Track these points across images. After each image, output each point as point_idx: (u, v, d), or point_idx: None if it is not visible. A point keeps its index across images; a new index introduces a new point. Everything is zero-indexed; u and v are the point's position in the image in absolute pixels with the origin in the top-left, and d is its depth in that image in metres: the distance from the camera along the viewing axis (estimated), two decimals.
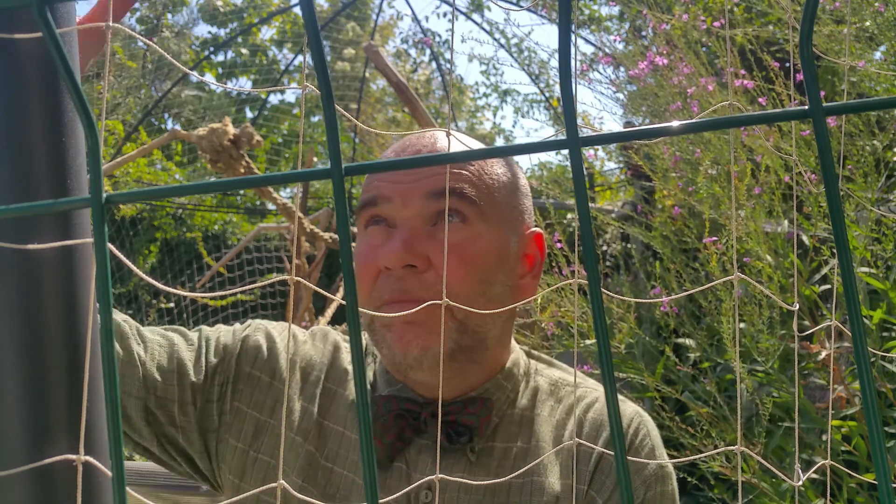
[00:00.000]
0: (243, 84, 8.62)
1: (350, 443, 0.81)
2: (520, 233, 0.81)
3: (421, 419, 0.79)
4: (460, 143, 0.79)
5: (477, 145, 0.81)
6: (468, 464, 0.79)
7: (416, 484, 0.64)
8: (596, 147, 3.14)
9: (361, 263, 0.77)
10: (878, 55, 1.90)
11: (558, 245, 2.15)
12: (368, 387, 0.84)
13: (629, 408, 0.86)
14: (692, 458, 0.38)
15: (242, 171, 2.27)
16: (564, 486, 0.79)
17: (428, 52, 9.09)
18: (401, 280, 0.74)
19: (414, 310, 0.59)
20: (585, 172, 0.73)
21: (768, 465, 0.41)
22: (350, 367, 0.86)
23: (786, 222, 1.88)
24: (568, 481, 0.79)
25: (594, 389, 0.86)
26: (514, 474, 0.69)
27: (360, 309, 0.76)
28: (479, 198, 0.76)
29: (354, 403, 0.81)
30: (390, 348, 0.76)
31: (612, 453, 0.79)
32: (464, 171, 0.76)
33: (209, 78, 9.01)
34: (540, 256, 0.84)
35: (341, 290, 4.16)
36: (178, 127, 5.65)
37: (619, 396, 0.86)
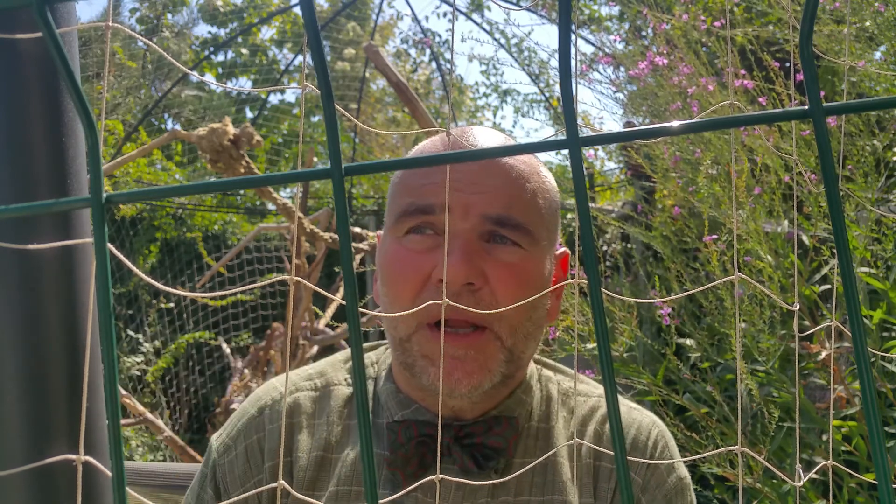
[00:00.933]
0: (243, 84, 8.62)
1: (351, 497, 0.76)
2: (554, 254, 0.79)
3: (444, 444, 0.75)
4: (490, 138, 0.77)
5: (502, 140, 0.78)
6: (492, 487, 0.75)
7: (415, 484, 0.63)
8: (596, 147, 3.14)
9: (404, 269, 0.71)
10: (878, 55, 1.90)
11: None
12: (371, 414, 0.80)
13: (646, 418, 0.83)
14: (693, 457, 0.38)
15: (242, 171, 2.27)
16: None
17: (428, 52, 9.09)
18: (457, 297, 0.68)
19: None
20: (585, 172, 0.73)
21: (769, 467, 0.41)
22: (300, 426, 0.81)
23: (786, 222, 1.88)
24: (589, 500, 0.77)
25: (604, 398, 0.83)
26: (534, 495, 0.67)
27: (389, 323, 0.72)
28: (532, 223, 0.73)
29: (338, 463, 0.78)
30: (432, 382, 0.71)
31: (633, 460, 0.77)
32: (523, 194, 0.72)
33: (209, 78, 9.01)
34: (563, 276, 0.82)
35: (341, 290, 4.16)
36: (178, 127, 5.65)
37: (634, 405, 0.85)
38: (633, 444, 0.80)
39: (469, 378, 0.70)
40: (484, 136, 0.77)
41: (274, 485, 0.36)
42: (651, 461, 0.79)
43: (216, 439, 0.83)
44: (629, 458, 0.79)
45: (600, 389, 0.86)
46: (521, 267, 0.72)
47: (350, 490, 0.76)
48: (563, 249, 0.82)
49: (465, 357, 0.69)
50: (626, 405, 0.85)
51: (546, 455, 0.67)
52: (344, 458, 0.78)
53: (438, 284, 0.69)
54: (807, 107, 0.25)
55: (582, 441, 0.61)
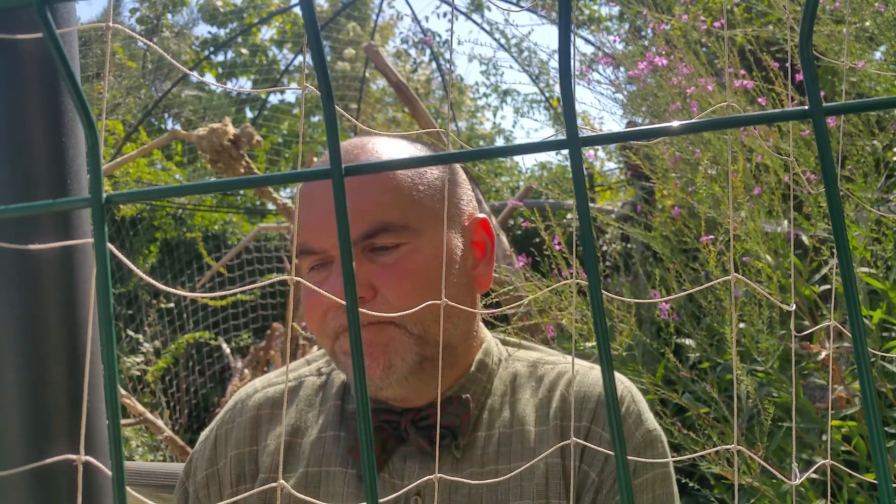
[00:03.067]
0: (243, 84, 8.62)
1: (321, 478, 0.82)
2: (462, 225, 0.81)
3: (401, 427, 0.80)
4: (393, 148, 0.79)
5: (409, 151, 0.81)
6: (453, 461, 0.79)
7: (415, 484, 0.64)
8: (596, 147, 3.14)
9: (309, 305, 0.78)
10: (877, 55, 1.90)
11: (557, 247, 2.14)
12: (338, 399, 0.86)
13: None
14: (691, 456, 0.38)
15: (242, 171, 2.27)
16: (554, 464, 0.78)
17: (428, 52, 9.09)
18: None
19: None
20: (585, 172, 0.73)
21: (767, 466, 0.41)
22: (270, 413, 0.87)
23: (786, 222, 1.88)
24: (557, 460, 0.79)
25: (575, 364, 0.86)
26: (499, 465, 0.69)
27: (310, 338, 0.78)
28: (409, 218, 0.75)
29: (310, 442, 0.83)
30: (350, 371, 0.77)
31: (600, 427, 0.80)
32: (388, 197, 0.76)
33: (209, 78, 9.01)
34: (490, 240, 0.84)
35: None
36: (178, 127, 5.65)
37: (594, 366, 0.86)
38: (598, 401, 0.83)
39: (378, 361, 0.75)
40: (386, 147, 0.80)
41: (274, 485, 0.36)
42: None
43: (197, 445, 0.90)
44: (597, 416, 0.81)
45: (568, 358, 0.88)
46: (404, 264, 0.75)
47: (320, 471, 0.81)
48: (478, 216, 0.83)
49: (369, 341, 0.74)
50: (591, 367, 0.87)
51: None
52: (311, 442, 0.83)
53: (332, 312, 0.75)
54: (806, 107, 0.25)
55: (578, 441, 0.61)
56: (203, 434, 0.90)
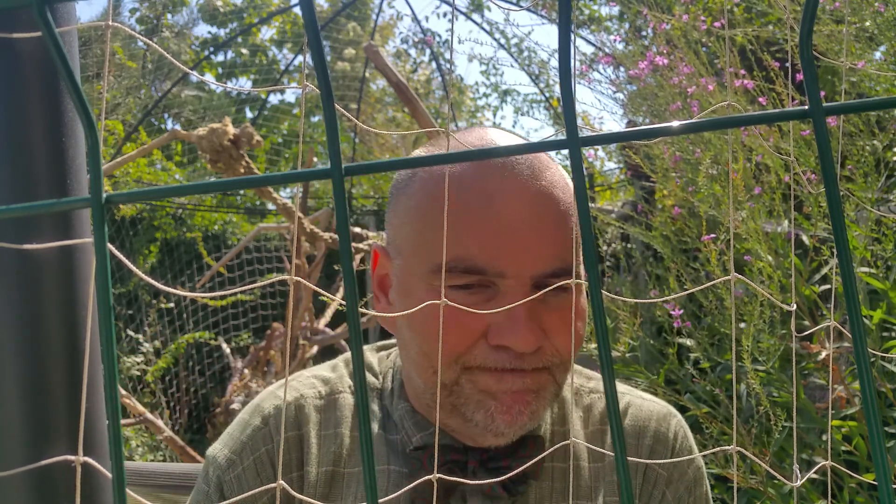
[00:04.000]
0: (243, 84, 8.62)
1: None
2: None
3: (469, 470, 0.72)
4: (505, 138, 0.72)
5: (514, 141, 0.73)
6: (513, 500, 0.73)
7: (415, 483, 0.61)
8: (596, 147, 3.14)
9: (448, 327, 0.66)
10: (877, 55, 1.90)
11: None
12: (377, 427, 0.76)
13: (662, 408, 0.82)
14: (691, 456, 0.38)
15: (242, 171, 2.27)
16: (612, 503, 0.76)
17: (428, 52, 9.09)
18: (520, 357, 0.66)
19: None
20: (585, 172, 0.72)
21: (767, 468, 0.41)
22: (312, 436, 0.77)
23: (786, 222, 1.88)
24: (615, 499, 0.75)
25: (620, 394, 0.81)
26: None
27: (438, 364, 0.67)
28: (576, 256, 0.69)
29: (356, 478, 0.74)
30: (490, 417, 0.67)
31: (657, 462, 0.77)
32: (569, 233, 0.68)
33: (209, 78, 9.00)
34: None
35: (341, 290, 4.16)
36: (178, 127, 5.65)
37: (647, 395, 0.84)
38: (655, 436, 0.79)
39: (529, 409, 0.68)
40: (500, 137, 0.73)
41: (273, 485, 0.36)
42: (674, 454, 0.79)
43: (218, 452, 0.78)
44: (653, 452, 0.78)
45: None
46: (579, 308, 0.69)
47: None
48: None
49: (525, 390, 0.67)
50: (640, 397, 0.83)
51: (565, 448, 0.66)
52: (358, 474, 0.74)
53: (497, 347, 0.66)
54: (807, 107, 0.25)
55: (603, 450, 0.59)
56: (225, 454, 0.77)
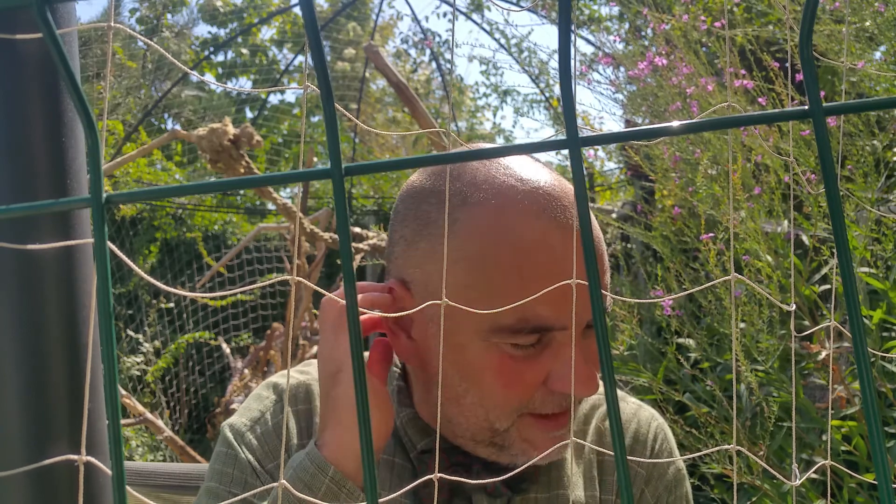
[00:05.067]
0: (243, 84, 8.62)
1: None
2: None
3: (473, 471, 0.74)
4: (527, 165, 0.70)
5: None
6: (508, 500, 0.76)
7: (416, 483, 0.62)
8: (596, 147, 3.14)
9: (511, 380, 0.66)
10: (877, 55, 1.90)
11: None
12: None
13: (646, 412, 0.85)
14: (691, 455, 0.38)
15: (242, 171, 2.27)
16: (590, 497, 0.78)
17: (428, 52, 9.09)
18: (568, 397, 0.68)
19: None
20: (585, 172, 0.72)
21: (766, 466, 0.41)
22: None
23: (786, 222, 1.88)
24: (593, 493, 0.78)
25: (601, 396, 0.84)
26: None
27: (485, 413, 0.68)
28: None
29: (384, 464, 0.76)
30: (526, 455, 0.70)
31: (636, 460, 0.79)
32: (606, 277, 0.70)
33: (209, 78, 9.00)
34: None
35: (341, 289, 4.15)
36: (178, 127, 5.65)
37: (633, 400, 0.87)
38: (634, 437, 0.83)
39: (560, 451, 0.71)
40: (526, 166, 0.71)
41: (275, 485, 0.36)
42: (653, 454, 0.82)
43: (236, 421, 0.79)
44: (632, 451, 0.82)
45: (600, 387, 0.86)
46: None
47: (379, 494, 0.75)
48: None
49: (564, 433, 0.69)
50: (626, 400, 0.87)
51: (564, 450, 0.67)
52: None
53: (559, 393, 0.67)
54: (807, 107, 0.25)
55: (584, 441, 0.61)
56: (244, 421, 0.78)
